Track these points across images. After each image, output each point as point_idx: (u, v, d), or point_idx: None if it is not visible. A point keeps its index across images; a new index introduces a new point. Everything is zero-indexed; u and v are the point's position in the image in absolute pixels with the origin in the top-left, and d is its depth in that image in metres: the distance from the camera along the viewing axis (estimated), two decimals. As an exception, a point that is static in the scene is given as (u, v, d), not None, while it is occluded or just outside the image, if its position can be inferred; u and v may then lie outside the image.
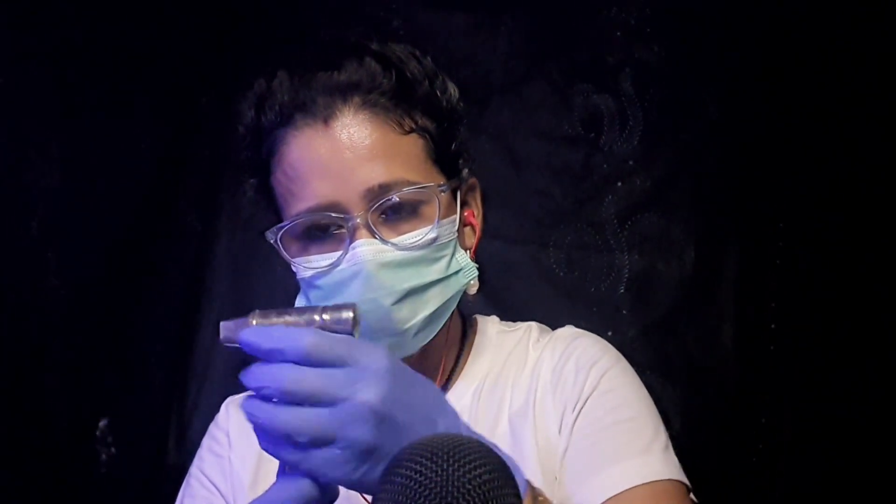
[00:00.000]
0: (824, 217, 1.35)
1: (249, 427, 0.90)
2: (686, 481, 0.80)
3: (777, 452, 1.34)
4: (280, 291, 1.48)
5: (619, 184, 1.40)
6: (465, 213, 0.87)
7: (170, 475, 1.45)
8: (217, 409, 0.96)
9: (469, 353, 0.91)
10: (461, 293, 0.85)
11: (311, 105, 0.79)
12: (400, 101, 0.80)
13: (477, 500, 0.51)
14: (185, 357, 1.48)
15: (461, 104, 0.87)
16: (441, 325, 0.83)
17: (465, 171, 0.87)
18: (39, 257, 1.25)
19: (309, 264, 0.80)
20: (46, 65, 1.23)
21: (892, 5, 1.27)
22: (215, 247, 1.50)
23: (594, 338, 0.91)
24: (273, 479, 0.88)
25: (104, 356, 1.36)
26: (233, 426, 0.93)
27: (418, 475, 0.52)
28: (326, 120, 0.78)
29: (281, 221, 0.82)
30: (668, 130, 1.39)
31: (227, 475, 0.90)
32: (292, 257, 0.82)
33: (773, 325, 1.36)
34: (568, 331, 0.92)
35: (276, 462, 0.88)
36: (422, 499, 0.51)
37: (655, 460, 0.79)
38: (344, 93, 0.79)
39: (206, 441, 0.96)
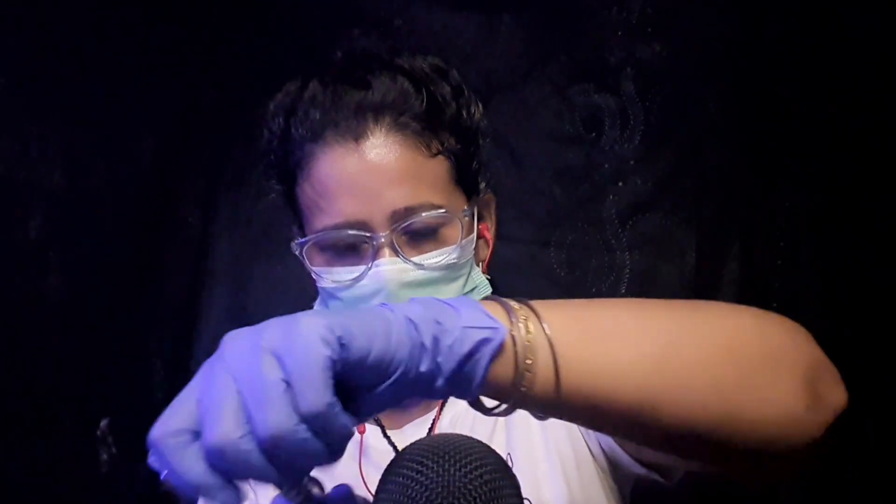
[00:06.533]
0: (827, 217, 1.34)
1: None
2: None
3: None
4: (280, 292, 1.48)
5: (620, 184, 1.39)
6: (480, 227, 0.88)
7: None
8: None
9: None
10: None
11: (343, 123, 0.80)
12: (429, 123, 0.81)
13: (479, 500, 0.51)
14: (186, 356, 1.48)
15: (484, 121, 0.88)
16: None
17: (482, 184, 0.89)
18: (40, 257, 1.24)
19: (331, 276, 0.81)
20: (46, 64, 1.23)
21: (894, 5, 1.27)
22: (216, 246, 1.50)
23: None
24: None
25: (105, 356, 1.36)
26: None
27: (419, 475, 0.51)
28: (357, 139, 0.79)
29: (303, 228, 0.83)
30: (670, 130, 1.39)
31: None
32: (315, 267, 0.83)
33: (774, 326, 1.36)
34: None
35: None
36: (423, 499, 0.51)
37: None
38: (375, 113, 0.80)
39: None
